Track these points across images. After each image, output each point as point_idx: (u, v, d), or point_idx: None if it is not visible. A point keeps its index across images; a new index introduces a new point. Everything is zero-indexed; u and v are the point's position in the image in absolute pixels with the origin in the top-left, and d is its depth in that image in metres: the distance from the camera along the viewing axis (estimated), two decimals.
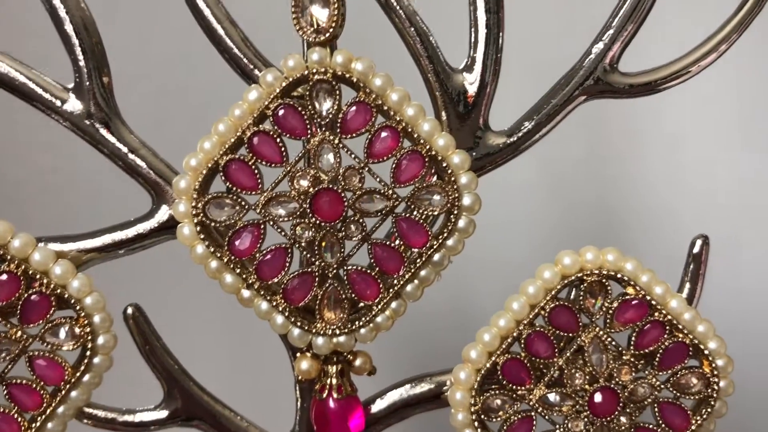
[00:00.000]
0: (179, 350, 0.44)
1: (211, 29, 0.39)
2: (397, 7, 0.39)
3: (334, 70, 0.37)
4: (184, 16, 0.39)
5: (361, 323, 0.38)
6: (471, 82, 0.40)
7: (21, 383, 0.38)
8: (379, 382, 0.43)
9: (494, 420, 0.40)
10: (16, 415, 0.39)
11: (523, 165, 0.44)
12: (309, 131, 0.37)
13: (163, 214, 0.40)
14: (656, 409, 0.40)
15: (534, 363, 0.40)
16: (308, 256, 0.38)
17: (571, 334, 0.40)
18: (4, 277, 0.38)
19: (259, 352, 0.62)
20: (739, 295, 0.72)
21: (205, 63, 0.43)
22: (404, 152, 0.37)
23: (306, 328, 0.38)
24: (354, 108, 0.37)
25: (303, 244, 0.38)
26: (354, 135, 0.37)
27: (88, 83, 0.39)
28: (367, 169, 0.37)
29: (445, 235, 0.38)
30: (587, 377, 0.40)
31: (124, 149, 0.40)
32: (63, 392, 0.39)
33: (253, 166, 0.37)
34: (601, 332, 0.40)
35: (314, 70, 0.37)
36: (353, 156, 0.37)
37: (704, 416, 0.40)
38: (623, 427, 0.40)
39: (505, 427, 0.40)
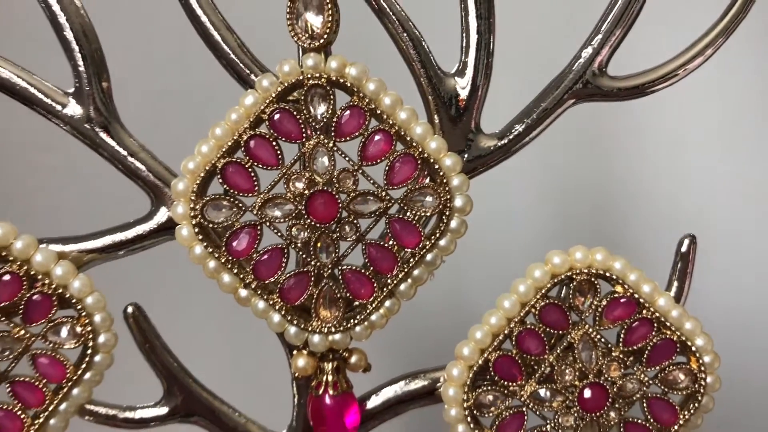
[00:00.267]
0: (178, 349, 0.44)
1: (208, 35, 0.40)
2: (391, 13, 0.40)
3: (328, 75, 0.37)
4: (181, 22, 0.40)
5: (356, 321, 0.39)
6: (463, 86, 0.41)
7: (24, 381, 0.39)
8: (374, 379, 0.44)
9: (486, 415, 0.41)
10: (19, 412, 0.39)
11: (520, 161, 0.44)
12: (304, 135, 0.38)
13: (162, 215, 0.41)
14: (645, 405, 0.41)
15: (525, 360, 0.40)
16: (304, 256, 0.39)
17: (561, 332, 0.40)
18: (7, 277, 0.38)
19: (256, 350, 0.62)
20: (740, 291, 0.73)
21: (202, 68, 0.44)
22: (397, 155, 0.38)
23: (302, 326, 0.39)
24: (348, 112, 0.38)
25: (299, 245, 0.38)
26: (348, 138, 0.38)
27: (87, 88, 0.40)
28: (360, 171, 0.38)
29: (438, 235, 0.39)
30: (577, 373, 0.40)
31: (124, 152, 0.41)
32: (65, 390, 0.39)
33: (250, 169, 0.38)
34: (590, 330, 0.40)
35: (309, 75, 0.37)
36: (347, 159, 0.38)
37: (692, 411, 0.41)
38: (612, 422, 0.41)
39: (497, 423, 0.41)
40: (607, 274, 0.40)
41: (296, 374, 0.41)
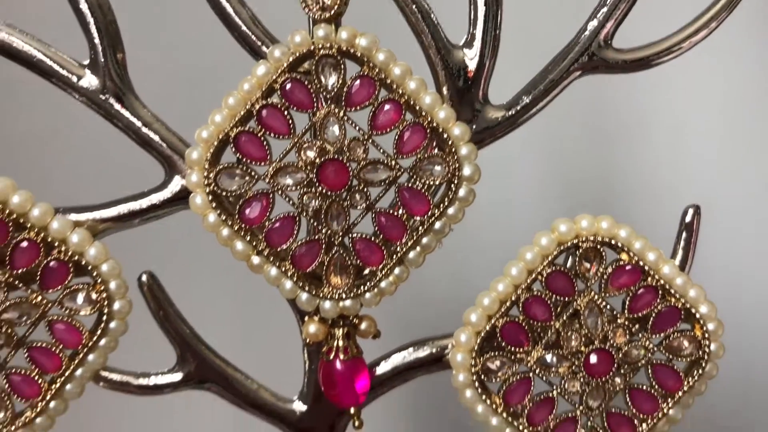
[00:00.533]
0: (191, 316, 0.45)
1: (221, 8, 0.41)
2: None
3: (339, 45, 0.38)
4: None
5: (366, 288, 0.40)
6: (471, 58, 0.42)
7: (41, 347, 0.40)
8: (384, 348, 0.45)
9: (494, 381, 0.41)
10: (37, 378, 0.40)
11: (523, 141, 0.45)
12: (315, 104, 0.38)
13: (175, 185, 0.42)
14: (649, 371, 0.42)
15: (532, 326, 0.41)
16: (315, 224, 0.39)
17: (567, 299, 0.41)
18: (25, 244, 0.39)
19: (267, 318, 0.63)
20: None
21: (215, 41, 0.44)
22: (406, 124, 0.39)
23: (313, 292, 0.40)
24: (358, 82, 0.38)
25: (310, 213, 0.39)
26: (358, 108, 0.39)
27: (102, 60, 0.41)
28: (370, 140, 0.39)
29: (446, 203, 0.39)
30: (583, 339, 0.41)
31: (138, 123, 0.41)
32: (81, 355, 0.40)
33: (262, 138, 0.38)
34: (596, 296, 0.41)
35: (320, 46, 0.38)
36: (357, 128, 0.39)
37: (696, 378, 0.42)
38: (618, 388, 0.42)
39: (504, 388, 0.41)
40: (613, 242, 0.41)
41: (307, 340, 0.41)
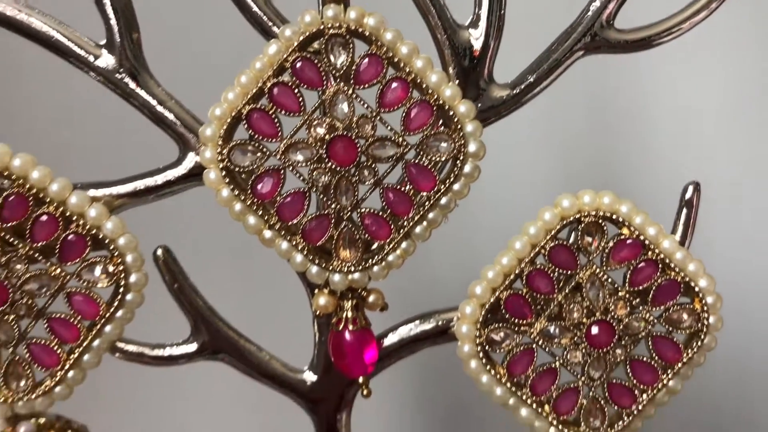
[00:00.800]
0: (205, 290, 0.46)
1: None
2: None
3: (347, 24, 0.39)
4: None
5: (374, 261, 0.41)
6: (476, 38, 0.43)
7: (60, 317, 0.41)
8: (390, 324, 0.46)
9: (498, 351, 0.43)
10: (56, 347, 0.41)
11: (528, 120, 0.46)
12: (325, 82, 0.40)
13: (189, 162, 0.43)
14: (650, 343, 0.43)
15: (535, 299, 0.42)
16: (324, 199, 0.40)
17: (569, 272, 0.42)
18: (44, 218, 0.40)
19: (278, 292, 0.64)
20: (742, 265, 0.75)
21: (228, 21, 0.45)
22: (413, 102, 0.40)
23: (323, 265, 0.41)
24: (366, 60, 0.39)
25: (320, 188, 0.40)
26: (366, 86, 0.40)
27: (119, 40, 0.42)
28: (378, 117, 0.40)
29: (452, 179, 0.40)
30: (585, 311, 0.42)
31: (153, 101, 0.42)
32: (98, 326, 0.41)
33: (273, 115, 0.40)
34: (597, 270, 0.42)
35: (329, 25, 0.39)
36: (366, 105, 0.40)
37: (695, 350, 0.43)
38: (619, 359, 0.43)
39: (508, 358, 0.42)
40: (614, 217, 0.42)
41: (317, 312, 0.42)
